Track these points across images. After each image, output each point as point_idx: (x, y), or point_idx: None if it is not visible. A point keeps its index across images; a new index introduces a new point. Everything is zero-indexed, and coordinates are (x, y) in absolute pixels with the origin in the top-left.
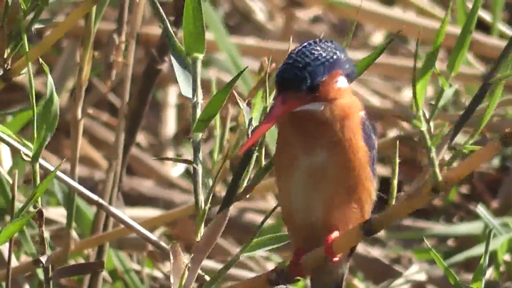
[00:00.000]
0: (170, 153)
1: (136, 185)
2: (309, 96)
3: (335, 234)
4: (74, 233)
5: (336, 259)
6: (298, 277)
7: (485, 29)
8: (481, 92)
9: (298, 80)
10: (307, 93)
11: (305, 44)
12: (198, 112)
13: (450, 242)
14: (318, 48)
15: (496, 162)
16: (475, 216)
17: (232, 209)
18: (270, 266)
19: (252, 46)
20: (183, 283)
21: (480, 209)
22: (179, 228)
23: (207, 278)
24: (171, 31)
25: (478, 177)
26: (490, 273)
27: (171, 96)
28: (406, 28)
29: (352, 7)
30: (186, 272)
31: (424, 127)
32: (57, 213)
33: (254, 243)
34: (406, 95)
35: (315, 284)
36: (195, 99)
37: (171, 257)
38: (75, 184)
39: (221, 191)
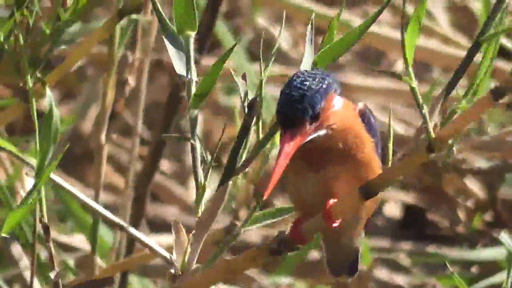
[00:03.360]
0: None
1: (161, 212)
2: (312, 125)
3: (334, 200)
4: (98, 260)
5: (335, 224)
6: (299, 244)
7: (508, 56)
8: (473, 49)
9: (300, 113)
10: (311, 123)
11: (294, 77)
12: (193, 89)
13: (474, 269)
14: (308, 77)
15: None
16: (499, 244)
17: (258, 236)
18: None
19: (275, 73)
20: (186, 259)
21: (504, 236)
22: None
23: None
24: (162, 13)
25: (502, 205)
26: None
27: None
28: (430, 56)
29: (376, 35)
30: (189, 249)
31: (414, 84)
32: (81, 240)
33: (259, 215)
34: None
35: (332, 264)
36: (189, 77)
37: (173, 233)
38: (99, 207)
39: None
